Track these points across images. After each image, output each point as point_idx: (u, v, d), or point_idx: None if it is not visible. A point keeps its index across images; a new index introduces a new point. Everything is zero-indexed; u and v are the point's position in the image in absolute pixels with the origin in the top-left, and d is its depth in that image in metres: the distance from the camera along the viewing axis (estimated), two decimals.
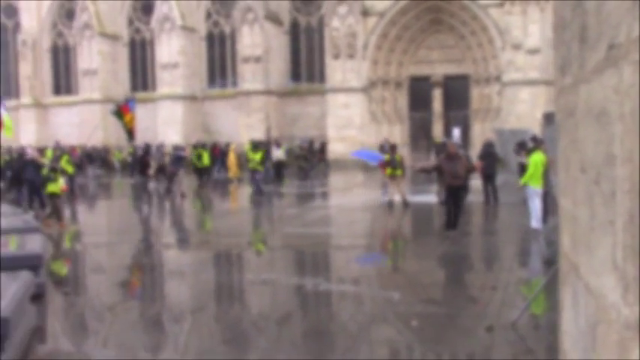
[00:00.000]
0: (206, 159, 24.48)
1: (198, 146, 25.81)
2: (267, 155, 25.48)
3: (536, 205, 11.95)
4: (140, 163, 20.40)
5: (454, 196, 11.76)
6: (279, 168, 25.98)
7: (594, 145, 1.06)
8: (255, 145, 21.09)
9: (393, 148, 17.43)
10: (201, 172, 24.18)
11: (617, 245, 0.94)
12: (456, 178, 11.53)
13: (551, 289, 7.22)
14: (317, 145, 32.77)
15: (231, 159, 25.68)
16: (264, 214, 17.51)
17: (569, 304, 1.38)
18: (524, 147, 12.72)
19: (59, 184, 14.56)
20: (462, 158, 11.95)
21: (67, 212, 16.73)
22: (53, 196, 14.50)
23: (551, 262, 8.24)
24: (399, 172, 16.59)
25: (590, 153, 1.09)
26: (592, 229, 1.09)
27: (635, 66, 0.86)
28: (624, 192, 0.92)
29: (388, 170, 16.67)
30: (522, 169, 14.01)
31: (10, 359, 5.33)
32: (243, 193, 22.07)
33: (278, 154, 26.15)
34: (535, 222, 11.91)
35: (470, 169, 12.42)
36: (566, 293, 1.42)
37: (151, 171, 20.57)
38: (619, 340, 0.97)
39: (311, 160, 30.35)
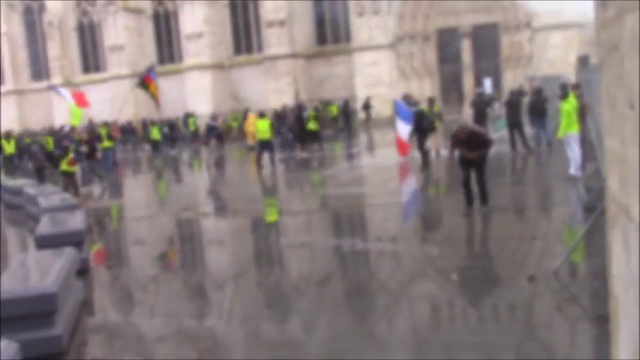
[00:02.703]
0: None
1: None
2: (283, 121, 25.15)
3: (574, 152, 11.65)
4: (88, 146, 18.70)
5: (470, 170, 9.72)
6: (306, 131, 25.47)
7: None
8: (261, 114, 19.25)
9: (431, 101, 17.44)
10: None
11: None
12: (471, 150, 9.54)
13: (593, 235, 7.12)
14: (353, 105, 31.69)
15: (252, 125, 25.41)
16: (297, 179, 17.54)
17: (620, 247, 1.32)
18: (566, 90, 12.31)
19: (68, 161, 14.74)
20: (479, 135, 9.73)
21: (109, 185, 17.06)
22: (67, 174, 14.73)
23: (591, 209, 8.09)
24: (437, 124, 16.68)
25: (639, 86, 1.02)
26: None
27: None
28: None
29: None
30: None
31: (61, 333, 5.49)
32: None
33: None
34: (574, 169, 11.65)
35: (487, 144, 9.72)
36: (616, 237, 1.36)
37: (99, 154, 19.12)
38: None
39: (339, 121, 29.93)
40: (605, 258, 1.84)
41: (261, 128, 18.26)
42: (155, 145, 27.66)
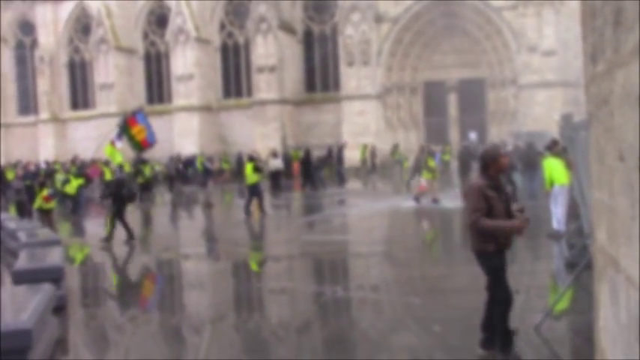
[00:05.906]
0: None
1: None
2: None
3: (559, 206, 11.53)
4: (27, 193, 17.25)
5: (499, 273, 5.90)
6: (277, 178, 25.36)
7: (634, 131, 1.01)
8: (251, 158, 18.61)
9: (425, 150, 18.17)
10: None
11: None
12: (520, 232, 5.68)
13: (575, 291, 7.12)
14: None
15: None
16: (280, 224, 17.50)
17: (608, 300, 1.33)
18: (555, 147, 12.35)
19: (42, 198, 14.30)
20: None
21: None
22: (42, 210, 14.27)
23: (573, 265, 8.12)
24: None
25: (629, 139, 1.04)
26: (633, 219, 1.05)
27: None
28: None
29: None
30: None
31: None
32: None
33: (276, 163, 25.65)
34: (557, 223, 11.62)
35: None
36: (604, 289, 1.37)
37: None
38: None
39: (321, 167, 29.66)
40: (587, 314, 1.85)
41: (247, 172, 17.46)
42: (145, 188, 24.91)
